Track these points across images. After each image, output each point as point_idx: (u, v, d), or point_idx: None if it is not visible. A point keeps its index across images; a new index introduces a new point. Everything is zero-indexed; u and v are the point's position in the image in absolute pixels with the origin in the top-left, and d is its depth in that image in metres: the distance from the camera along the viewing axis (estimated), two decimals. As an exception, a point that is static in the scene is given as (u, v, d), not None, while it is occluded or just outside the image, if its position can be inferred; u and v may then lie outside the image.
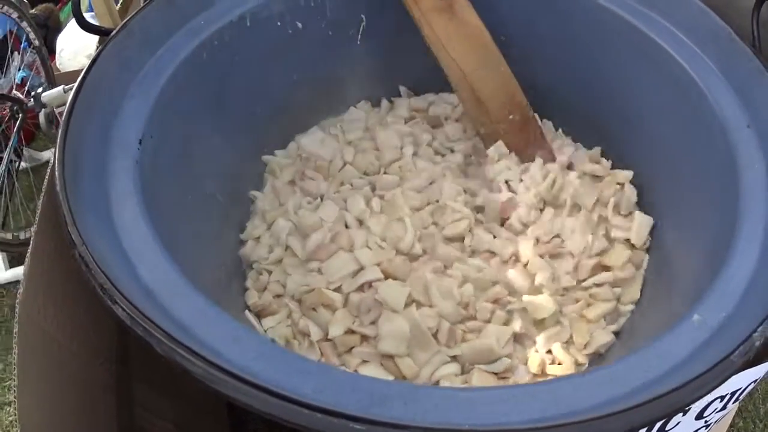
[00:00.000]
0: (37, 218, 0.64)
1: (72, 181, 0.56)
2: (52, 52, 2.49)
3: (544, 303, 0.79)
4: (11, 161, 1.95)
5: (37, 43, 2.24)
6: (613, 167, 0.99)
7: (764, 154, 0.71)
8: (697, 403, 0.51)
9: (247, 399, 0.41)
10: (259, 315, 0.85)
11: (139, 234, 0.58)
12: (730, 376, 0.46)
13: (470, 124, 1.02)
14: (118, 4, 1.54)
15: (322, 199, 0.96)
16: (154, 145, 0.69)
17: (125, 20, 0.79)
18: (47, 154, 2.30)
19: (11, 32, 2.27)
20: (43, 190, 0.66)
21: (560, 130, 1.09)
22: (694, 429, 0.58)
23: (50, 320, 0.60)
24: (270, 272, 0.89)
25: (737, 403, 0.61)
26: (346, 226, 0.91)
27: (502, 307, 0.81)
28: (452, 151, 1.03)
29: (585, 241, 0.85)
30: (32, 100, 1.78)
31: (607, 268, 0.85)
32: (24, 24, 2.18)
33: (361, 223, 0.91)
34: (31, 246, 0.63)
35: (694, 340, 0.53)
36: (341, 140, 1.05)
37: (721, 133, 0.75)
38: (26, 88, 2.22)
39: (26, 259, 0.62)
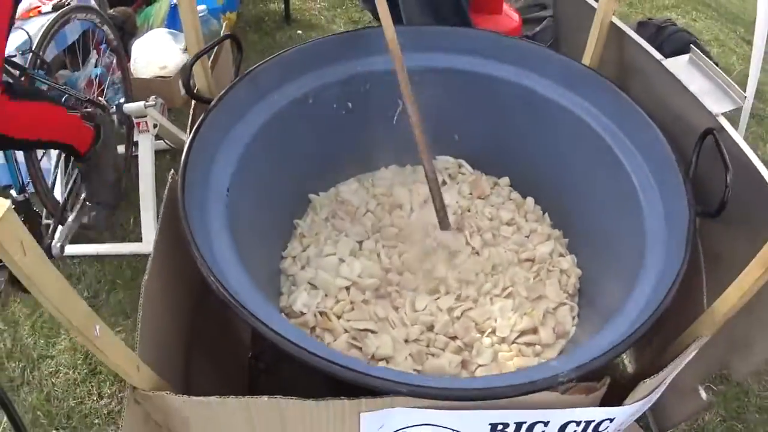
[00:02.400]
0: (159, 225, 1.07)
1: (189, 212, 1.01)
2: (127, 53, 2.93)
3: (484, 346, 1.22)
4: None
5: (115, 43, 2.66)
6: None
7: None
8: (554, 419, 0.89)
9: (262, 329, 0.85)
10: (288, 315, 1.28)
11: (224, 245, 1.04)
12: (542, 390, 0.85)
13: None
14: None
15: (346, 235, 1.40)
16: (235, 193, 1.14)
17: (220, 94, 1.25)
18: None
19: (92, 32, 2.69)
20: (162, 208, 1.10)
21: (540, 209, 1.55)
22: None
23: (164, 290, 1.04)
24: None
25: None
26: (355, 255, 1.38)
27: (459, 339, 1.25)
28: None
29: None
30: (115, 108, 2.23)
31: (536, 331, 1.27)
32: (105, 27, 2.59)
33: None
34: (154, 244, 1.06)
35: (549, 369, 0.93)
36: (370, 192, 1.50)
37: (612, 164, 1.25)
38: (101, 86, 2.64)
39: (150, 255, 1.05)
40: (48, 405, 1.93)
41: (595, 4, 1.47)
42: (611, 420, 0.90)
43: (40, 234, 1.91)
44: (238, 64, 1.44)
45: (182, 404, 0.82)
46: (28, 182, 1.95)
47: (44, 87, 1.98)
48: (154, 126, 2.25)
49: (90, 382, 1.97)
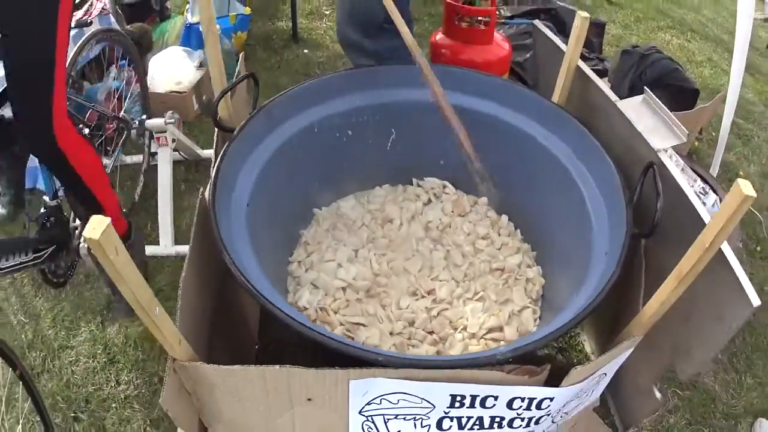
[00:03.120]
0: (193, 231, 1.34)
1: (219, 222, 1.28)
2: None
3: (456, 340, 1.49)
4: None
5: (135, 62, 2.89)
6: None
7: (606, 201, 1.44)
8: (502, 395, 1.14)
9: (280, 314, 1.12)
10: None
11: (245, 249, 1.32)
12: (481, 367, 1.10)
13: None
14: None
15: (344, 244, 1.67)
16: (253, 207, 1.41)
17: (241, 125, 1.52)
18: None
19: (110, 48, 2.91)
20: (195, 218, 1.36)
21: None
22: (510, 417, 1.21)
23: (196, 284, 1.31)
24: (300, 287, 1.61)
25: (562, 417, 1.25)
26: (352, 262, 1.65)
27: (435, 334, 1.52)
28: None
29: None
30: (137, 123, 2.50)
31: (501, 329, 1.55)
32: (127, 46, 2.82)
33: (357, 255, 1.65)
34: (190, 246, 1.33)
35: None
36: (365, 208, 1.78)
37: (572, 186, 1.52)
38: (119, 98, 2.88)
39: (187, 253, 1.31)
40: (67, 391, 2.13)
41: (564, 48, 1.75)
42: (551, 399, 1.16)
43: (69, 235, 2.09)
44: (255, 96, 1.71)
45: (212, 372, 1.08)
46: (59, 188, 2.21)
47: (84, 106, 2.23)
48: (173, 140, 2.50)
49: (108, 370, 2.18)
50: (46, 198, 2.07)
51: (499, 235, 1.87)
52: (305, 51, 3.88)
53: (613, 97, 1.62)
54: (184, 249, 2.20)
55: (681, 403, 2.14)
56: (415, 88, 1.72)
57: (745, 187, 0.95)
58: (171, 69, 3.21)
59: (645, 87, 1.96)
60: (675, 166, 1.48)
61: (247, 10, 3.68)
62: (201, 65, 3.26)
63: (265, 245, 1.45)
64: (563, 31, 3.37)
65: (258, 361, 1.76)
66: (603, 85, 1.66)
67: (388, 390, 1.06)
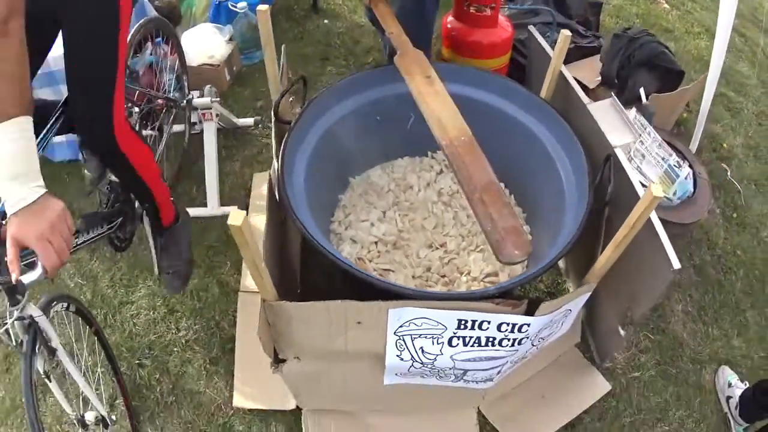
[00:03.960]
0: (267, 199, 1.89)
1: (287, 192, 1.82)
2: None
3: (462, 282, 2.06)
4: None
5: (172, 39, 3.25)
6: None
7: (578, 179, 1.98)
8: (494, 320, 1.69)
9: (337, 261, 1.72)
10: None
11: (305, 213, 1.87)
12: (479, 300, 1.66)
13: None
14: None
15: (374, 207, 2.24)
16: (308, 180, 1.97)
17: (296, 119, 2.06)
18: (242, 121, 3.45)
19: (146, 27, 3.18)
20: (267, 191, 1.91)
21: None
22: (500, 337, 1.76)
23: (271, 241, 1.86)
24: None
25: (539, 342, 1.81)
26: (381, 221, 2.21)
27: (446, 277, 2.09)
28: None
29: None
30: (185, 102, 3.00)
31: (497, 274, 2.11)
32: (161, 22, 2.93)
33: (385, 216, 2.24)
34: (266, 216, 1.87)
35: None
36: (390, 176, 2.35)
37: (552, 165, 2.09)
38: (159, 72, 3.30)
39: (265, 223, 1.85)
40: (130, 341, 2.56)
41: (551, 53, 2.28)
42: (528, 325, 1.71)
43: (132, 208, 2.37)
44: (304, 94, 2.25)
45: (292, 308, 1.63)
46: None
47: (135, 90, 2.53)
48: (216, 115, 3.00)
49: (168, 320, 2.62)
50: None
51: None
52: (325, 21, 4.34)
53: (586, 100, 2.16)
54: (229, 209, 2.74)
55: (651, 345, 2.69)
56: None
57: (655, 190, 1.49)
58: (203, 44, 3.67)
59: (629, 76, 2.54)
60: (627, 159, 2.04)
61: (272, -15, 4.15)
62: (231, 39, 3.73)
63: (315, 210, 2.00)
64: (564, 11, 3.86)
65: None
66: (579, 90, 2.20)
67: (415, 316, 1.62)
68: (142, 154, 2.05)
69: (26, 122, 1.38)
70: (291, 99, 2.40)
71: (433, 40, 3.07)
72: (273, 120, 2.17)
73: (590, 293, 1.91)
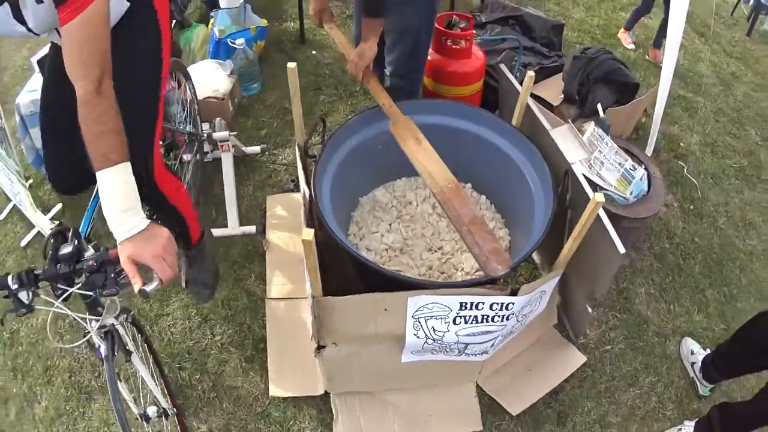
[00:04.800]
0: (304, 213, 2.56)
1: (321, 209, 2.50)
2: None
3: (458, 276, 2.76)
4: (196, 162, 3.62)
5: (184, 75, 3.87)
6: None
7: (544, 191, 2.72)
8: (486, 301, 2.36)
9: (363, 260, 2.38)
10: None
11: (334, 225, 2.53)
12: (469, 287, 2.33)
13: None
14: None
15: (382, 220, 2.93)
16: (331, 201, 2.66)
17: (320, 153, 2.74)
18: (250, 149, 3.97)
19: None
20: (303, 208, 2.57)
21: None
22: (492, 315, 2.44)
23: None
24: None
25: (522, 318, 2.50)
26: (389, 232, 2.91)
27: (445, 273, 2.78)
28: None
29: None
30: (205, 135, 3.63)
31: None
32: (179, 64, 3.76)
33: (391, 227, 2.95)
34: (305, 224, 2.52)
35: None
36: (392, 195, 3.07)
37: (524, 179, 2.85)
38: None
39: (307, 230, 2.50)
40: (170, 348, 3.05)
41: (520, 88, 2.97)
42: (513, 303, 2.38)
43: None
44: (323, 131, 2.94)
45: (335, 301, 2.28)
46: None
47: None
48: (232, 146, 3.64)
49: (203, 327, 3.12)
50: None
51: (481, 209, 3.23)
52: (313, 52, 5.01)
53: (548, 126, 2.87)
54: (248, 228, 3.36)
55: (619, 323, 3.33)
56: (418, 115, 2.99)
57: (598, 197, 2.19)
58: (207, 78, 4.31)
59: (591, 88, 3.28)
60: (588, 167, 2.72)
61: (264, 22, 4.83)
62: (232, 73, 4.38)
63: (339, 225, 2.67)
64: (529, 35, 4.58)
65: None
66: (543, 118, 2.91)
67: (428, 302, 2.29)
68: (173, 184, 2.48)
69: (128, 166, 1.80)
70: (305, 128, 3.05)
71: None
72: (298, 155, 2.86)
73: (558, 278, 2.59)
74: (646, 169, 3.61)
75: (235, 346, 3.09)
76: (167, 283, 1.76)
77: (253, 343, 3.09)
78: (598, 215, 2.46)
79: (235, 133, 3.73)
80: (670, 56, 3.89)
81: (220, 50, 4.60)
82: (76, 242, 1.89)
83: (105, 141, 1.79)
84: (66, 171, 2.55)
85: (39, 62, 3.83)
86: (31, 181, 3.88)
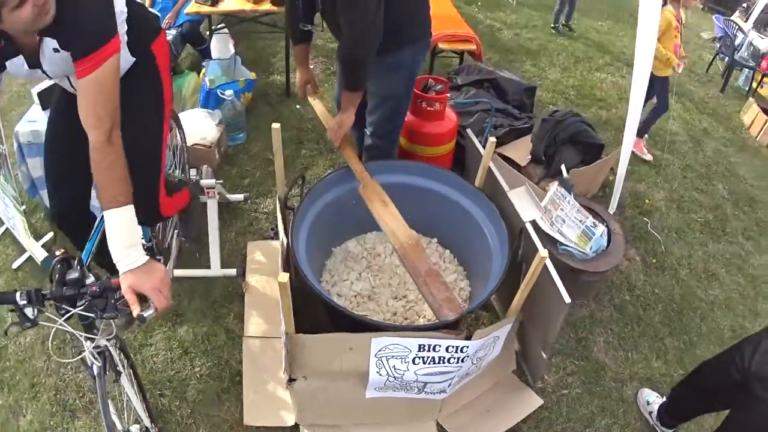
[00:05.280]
0: (282, 258, 2.92)
1: (297, 256, 2.86)
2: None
3: (420, 322, 3.12)
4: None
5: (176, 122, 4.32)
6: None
7: (501, 246, 3.10)
8: (442, 343, 2.72)
9: (335, 304, 2.73)
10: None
11: (308, 272, 2.88)
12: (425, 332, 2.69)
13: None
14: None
15: (352, 269, 3.30)
16: (306, 246, 3.02)
17: (298, 206, 3.14)
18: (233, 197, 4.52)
19: None
20: (280, 254, 2.92)
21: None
22: (448, 356, 2.80)
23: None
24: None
25: (477, 360, 2.86)
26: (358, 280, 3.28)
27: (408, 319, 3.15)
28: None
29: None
30: (193, 181, 3.99)
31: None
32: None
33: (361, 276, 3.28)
34: (282, 266, 2.88)
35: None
36: (363, 246, 3.45)
37: (484, 235, 3.24)
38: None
39: (288, 273, 2.85)
40: (152, 375, 3.33)
41: (482, 152, 3.36)
42: (467, 347, 2.74)
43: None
44: (302, 186, 3.31)
45: (306, 338, 2.64)
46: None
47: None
48: (218, 193, 3.99)
49: (184, 359, 3.41)
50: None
51: (444, 261, 3.63)
52: (297, 107, 5.43)
53: (506, 188, 3.27)
54: (229, 271, 3.71)
55: (577, 369, 3.61)
56: (386, 174, 3.42)
57: (543, 253, 2.56)
58: (196, 126, 4.70)
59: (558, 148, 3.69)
60: (549, 224, 3.11)
61: (252, 75, 5.27)
62: (220, 122, 4.76)
63: (313, 273, 3.02)
64: (502, 97, 5.01)
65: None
66: (502, 180, 3.32)
67: (389, 343, 2.65)
68: (173, 207, 3.08)
69: (132, 208, 2.13)
70: (285, 181, 3.42)
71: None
72: (278, 206, 3.25)
73: (511, 325, 2.95)
74: (606, 226, 3.98)
75: (213, 377, 3.36)
76: (161, 312, 2.04)
77: (230, 376, 3.36)
78: (546, 268, 2.84)
79: (221, 181, 4.10)
80: (632, 116, 4.27)
81: (210, 100, 5.00)
82: (79, 269, 2.15)
83: (114, 185, 2.13)
84: (68, 207, 2.94)
85: (39, 94, 4.12)
86: (24, 207, 4.16)
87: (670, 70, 5.45)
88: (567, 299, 2.79)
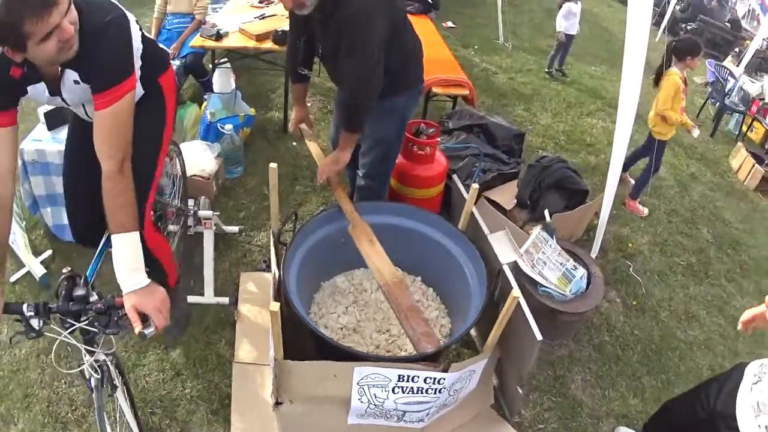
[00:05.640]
0: (273, 291, 3.18)
1: (288, 288, 3.12)
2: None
3: (402, 354, 3.38)
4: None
5: (180, 163, 4.62)
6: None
7: (480, 286, 3.39)
8: (421, 375, 2.98)
9: (320, 333, 3.01)
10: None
11: (298, 303, 3.16)
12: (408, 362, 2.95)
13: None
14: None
15: (340, 303, 3.58)
16: (297, 280, 3.30)
17: (290, 242, 3.45)
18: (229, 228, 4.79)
19: None
20: (271, 286, 3.18)
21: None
22: (426, 387, 3.07)
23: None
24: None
25: (454, 392, 3.12)
26: (345, 313, 3.55)
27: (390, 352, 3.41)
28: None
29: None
30: (192, 212, 4.26)
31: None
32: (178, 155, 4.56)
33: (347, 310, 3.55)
34: (273, 297, 3.14)
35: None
36: (351, 282, 3.77)
37: (465, 275, 3.54)
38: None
39: (278, 303, 3.10)
40: (144, 394, 3.52)
41: (466, 196, 3.65)
42: (444, 379, 3.00)
43: None
44: (295, 223, 3.59)
45: (293, 364, 2.90)
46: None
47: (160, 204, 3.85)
48: (214, 224, 4.26)
49: (175, 380, 3.62)
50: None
51: (427, 299, 3.91)
52: (294, 144, 5.72)
53: (487, 231, 3.56)
54: (222, 299, 3.98)
55: (554, 405, 3.80)
56: (375, 215, 3.71)
57: (515, 293, 2.83)
58: (195, 158, 5.00)
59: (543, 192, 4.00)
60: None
61: (252, 111, 5.58)
62: (218, 155, 5.04)
63: (301, 301, 3.29)
64: (492, 142, 5.31)
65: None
66: (483, 224, 3.63)
67: (371, 372, 2.92)
68: (163, 246, 3.29)
69: (137, 235, 2.39)
70: (280, 217, 3.70)
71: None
72: (272, 241, 3.54)
73: (486, 360, 3.22)
74: (587, 269, 4.24)
75: (203, 399, 3.56)
76: (161, 330, 2.27)
77: (219, 399, 3.57)
78: (519, 307, 3.12)
79: (218, 213, 4.38)
80: (616, 160, 4.54)
81: (210, 133, 5.31)
82: (85, 287, 2.36)
83: (123, 212, 2.38)
84: (86, 225, 3.22)
85: (46, 114, 4.38)
86: (25, 223, 4.43)
87: (671, 134, 5.71)
88: (538, 336, 3.05)
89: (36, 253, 4.30)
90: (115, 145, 2.43)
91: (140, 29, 2.86)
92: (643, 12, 3.90)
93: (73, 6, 2.25)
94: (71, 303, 2.31)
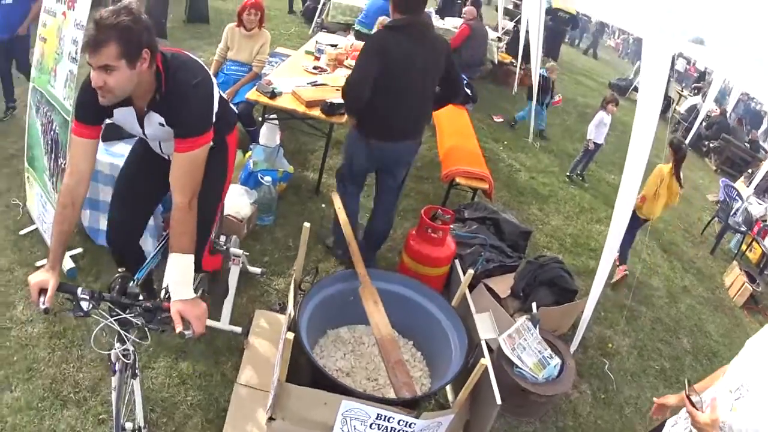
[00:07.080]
0: (285, 329, 3.92)
1: (300, 331, 3.88)
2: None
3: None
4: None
5: None
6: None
7: (461, 353, 4.08)
8: (395, 417, 3.71)
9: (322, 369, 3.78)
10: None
11: (304, 336, 3.92)
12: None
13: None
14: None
15: (339, 350, 4.37)
16: (307, 323, 4.08)
17: (308, 291, 4.22)
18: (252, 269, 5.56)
19: None
20: (285, 328, 3.93)
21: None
22: (399, 428, 3.78)
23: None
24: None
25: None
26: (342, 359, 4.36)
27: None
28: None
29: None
30: (224, 247, 5.00)
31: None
32: None
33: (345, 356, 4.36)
34: (286, 333, 3.88)
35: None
36: (352, 334, 4.67)
37: (450, 344, 4.34)
38: None
39: (288, 337, 3.83)
40: (148, 393, 3.99)
41: (462, 279, 4.41)
42: (414, 424, 3.74)
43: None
44: (314, 277, 4.43)
45: (294, 388, 3.64)
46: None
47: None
48: (241, 262, 5.01)
49: (179, 387, 4.19)
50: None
51: (414, 360, 4.69)
52: (323, 206, 6.50)
53: (473, 311, 4.32)
54: (235, 328, 4.69)
55: None
56: (384, 282, 4.54)
57: (483, 362, 3.61)
58: (233, 200, 5.78)
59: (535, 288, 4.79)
60: (511, 350, 4.17)
61: (290, 169, 6.40)
62: (254, 202, 5.81)
63: (309, 339, 4.04)
64: (500, 235, 6.08)
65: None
66: (472, 304, 4.44)
67: (355, 406, 3.68)
68: (211, 264, 4.17)
69: (192, 257, 2.90)
70: (296, 269, 4.47)
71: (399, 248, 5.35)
72: (292, 287, 4.38)
73: (454, 415, 3.91)
74: (562, 359, 4.93)
75: (202, 408, 4.08)
76: (198, 336, 2.72)
77: (216, 411, 4.11)
78: (487, 375, 3.84)
79: (247, 253, 5.10)
80: (602, 270, 5.28)
81: (250, 180, 6.13)
82: (137, 287, 2.91)
83: (184, 237, 2.91)
84: (122, 235, 3.78)
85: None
86: None
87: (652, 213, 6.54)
88: (498, 401, 3.77)
89: (68, 247, 4.60)
90: (188, 184, 2.95)
91: (220, 93, 3.44)
92: (650, 116, 4.94)
93: (130, 70, 2.74)
94: (123, 297, 2.79)
